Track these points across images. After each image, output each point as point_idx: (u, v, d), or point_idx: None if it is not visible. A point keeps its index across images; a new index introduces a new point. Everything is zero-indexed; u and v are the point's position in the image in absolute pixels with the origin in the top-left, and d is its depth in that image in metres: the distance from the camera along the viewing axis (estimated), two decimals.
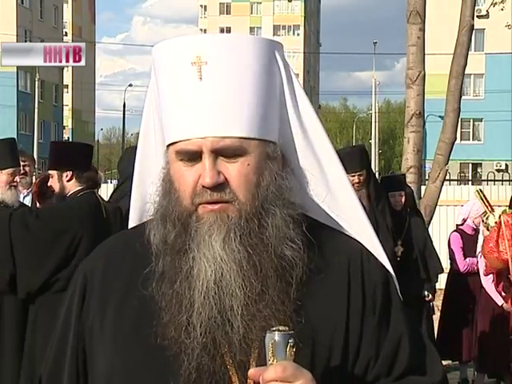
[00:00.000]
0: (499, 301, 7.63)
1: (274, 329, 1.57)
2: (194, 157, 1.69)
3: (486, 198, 7.37)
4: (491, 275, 7.51)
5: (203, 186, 1.68)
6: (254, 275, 1.66)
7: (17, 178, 5.26)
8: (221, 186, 1.67)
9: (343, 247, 1.82)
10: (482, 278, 7.75)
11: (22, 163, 6.51)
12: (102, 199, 5.48)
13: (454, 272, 8.59)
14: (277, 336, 1.55)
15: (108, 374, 1.74)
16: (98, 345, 1.77)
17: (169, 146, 1.76)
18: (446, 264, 8.87)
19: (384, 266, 1.86)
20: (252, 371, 1.57)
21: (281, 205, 1.71)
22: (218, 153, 1.68)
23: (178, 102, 1.72)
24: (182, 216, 1.70)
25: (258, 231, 1.69)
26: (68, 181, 5.19)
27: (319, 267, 1.74)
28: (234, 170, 1.68)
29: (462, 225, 8.88)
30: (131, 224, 1.97)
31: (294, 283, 1.68)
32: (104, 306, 1.78)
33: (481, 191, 7.63)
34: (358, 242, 1.86)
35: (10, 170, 5.17)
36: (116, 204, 5.64)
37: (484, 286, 7.77)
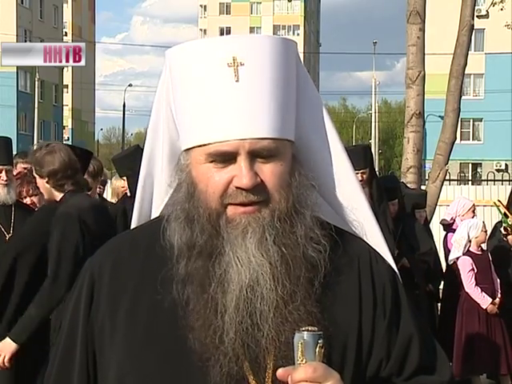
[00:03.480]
0: (484, 304, 7.77)
1: (304, 329, 1.57)
2: (227, 158, 1.68)
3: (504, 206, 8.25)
4: (473, 279, 7.69)
5: (238, 188, 1.67)
6: (286, 276, 1.66)
7: (2, 176, 5.28)
8: (257, 187, 1.67)
9: (353, 248, 1.82)
10: (465, 282, 7.86)
11: (27, 165, 6.54)
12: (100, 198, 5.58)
13: (451, 272, 8.61)
14: (306, 336, 1.56)
15: (120, 376, 1.72)
16: (109, 348, 1.74)
17: (191, 148, 1.73)
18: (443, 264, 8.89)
19: (391, 266, 1.87)
20: (280, 371, 1.56)
21: (309, 206, 1.72)
22: (255, 154, 1.68)
23: (212, 104, 1.69)
24: (212, 218, 1.68)
25: (290, 231, 1.69)
26: None
27: (337, 269, 1.75)
28: (269, 171, 1.68)
29: (450, 225, 8.91)
30: (134, 223, 1.95)
31: (316, 285, 1.69)
32: (115, 306, 1.75)
33: (499, 201, 8.44)
34: (365, 242, 1.86)
35: None
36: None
37: (466, 290, 7.87)
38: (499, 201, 8.55)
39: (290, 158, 1.73)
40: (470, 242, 7.95)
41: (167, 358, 1.69)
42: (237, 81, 1.68)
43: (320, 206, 1.81)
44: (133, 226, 1.96)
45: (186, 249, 1.70)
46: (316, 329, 1.57)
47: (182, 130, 1.78)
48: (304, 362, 1.55)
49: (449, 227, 9.01)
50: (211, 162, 1.69)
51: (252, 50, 1.70)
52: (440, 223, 9.41)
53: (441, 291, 8.72)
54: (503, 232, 8.19)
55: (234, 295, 1.65)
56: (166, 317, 1.69)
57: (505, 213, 8.14)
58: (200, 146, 1.71)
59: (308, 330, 1.56)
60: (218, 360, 1.63)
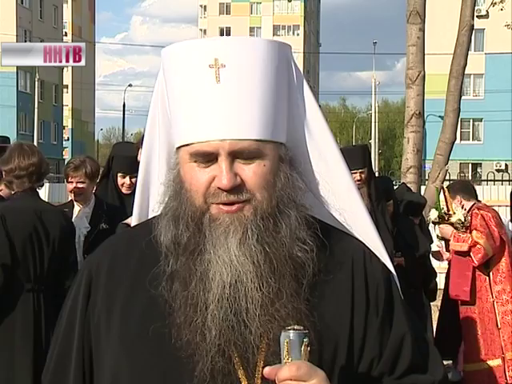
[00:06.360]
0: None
1: (289, 328, 1.58)
2: (209, 158, 1.70)
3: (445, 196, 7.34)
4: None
5: (219, 188, 1.68)
6: (270, 274, 1.68)
7: None
8: (237, 187, 1.68)
9: (347, 248, 1.83)
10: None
11: None
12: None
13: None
14: (292, 335, 1.57)
15: (114, 374, 1.74)
16: (105, 344, 1.77)
17: (180, 147, 1.76)
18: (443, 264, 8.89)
19: (386, 266, 1.87)
20: (267, 370, 1.58)
21: (295, 206, 1.73)
22: (235, 155, 1.69)
23: (195, 104, 1.72)
24: (196, 216, 1.70)
25: (273, 230, 1.70)
26: None
27: (327, 268, 1.76)
28: (251, 171, 1.70)
29: None
30: (134, 222, 1.98)
31: (305, 284, 1.70)
32: (110, 304, 1.78)
33: (442, 188, 7.64)
34: (361, 241, 1.87)
35: None
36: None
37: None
38: (442, 187, 7.89)
39: (276, 159, 1.73)
40: None
41: (158, 354, 1.71)
42: (218, 82, 1.69)
43: (315, 208, 1.82)
44: (133, 224, 1.98)
45: (173, 246, 1.73)
46: (302, 327, 1.58)
47: (173, 128, 1.81)
48: (290, 360, 1.56)
49: None
50: (194, 161, 1.72)
51: (234, 52, 1.71)
52: None
53: (440, 291, 8.73)
54: (435, 220, 7.43)
55: (216, 293, 1.66)
56: (157, 314, 1.72)
57: (445, 200, 7.33)
58: (184, 145, 1.74)
59: (294, 329, 1.57)
60: (201, 356, 1.65)
